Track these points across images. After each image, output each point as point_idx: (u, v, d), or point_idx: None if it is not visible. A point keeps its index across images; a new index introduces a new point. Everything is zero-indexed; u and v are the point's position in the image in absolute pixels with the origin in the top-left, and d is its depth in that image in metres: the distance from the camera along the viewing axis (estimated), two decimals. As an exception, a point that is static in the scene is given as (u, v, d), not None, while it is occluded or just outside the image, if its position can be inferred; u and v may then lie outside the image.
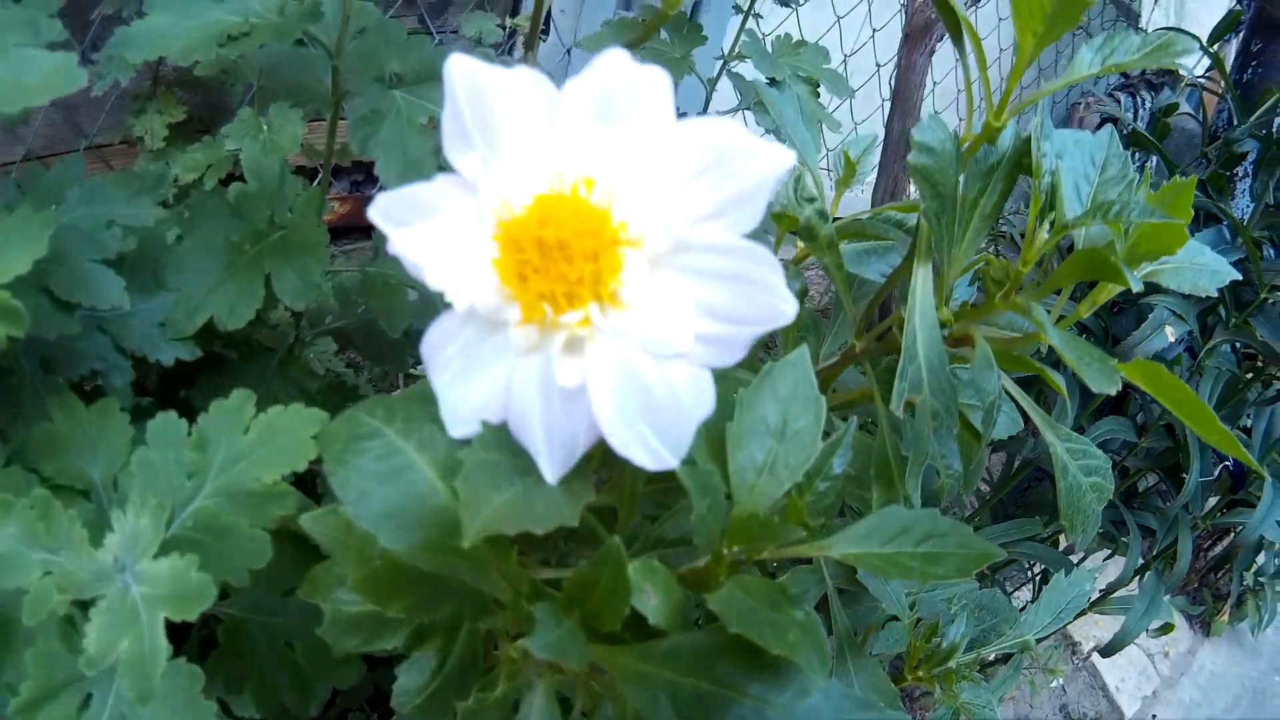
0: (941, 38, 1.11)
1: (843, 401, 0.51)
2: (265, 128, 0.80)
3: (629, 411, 0.21)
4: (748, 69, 0.88)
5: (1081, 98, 1.81)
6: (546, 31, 1.31)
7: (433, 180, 0.24)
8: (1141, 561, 0.92)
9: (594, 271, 0.20)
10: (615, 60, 0.21)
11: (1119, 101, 1.55)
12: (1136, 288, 0.32)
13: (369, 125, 0.51)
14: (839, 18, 1.43)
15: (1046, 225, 0.34)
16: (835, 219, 0.47)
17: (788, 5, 0.98)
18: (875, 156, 0.48)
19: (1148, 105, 1.48)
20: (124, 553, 0.31)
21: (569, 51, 1.33)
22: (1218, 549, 1.32)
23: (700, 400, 0.22)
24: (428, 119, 0.51)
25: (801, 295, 0.49)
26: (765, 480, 0.28)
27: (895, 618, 0.58)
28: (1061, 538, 1.01)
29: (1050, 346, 0.42)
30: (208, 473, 0.33)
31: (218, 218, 0.54)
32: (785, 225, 0.45)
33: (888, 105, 1.25)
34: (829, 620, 0.53)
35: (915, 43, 1.10)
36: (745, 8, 0.91)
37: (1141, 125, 1.20)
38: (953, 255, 0.35)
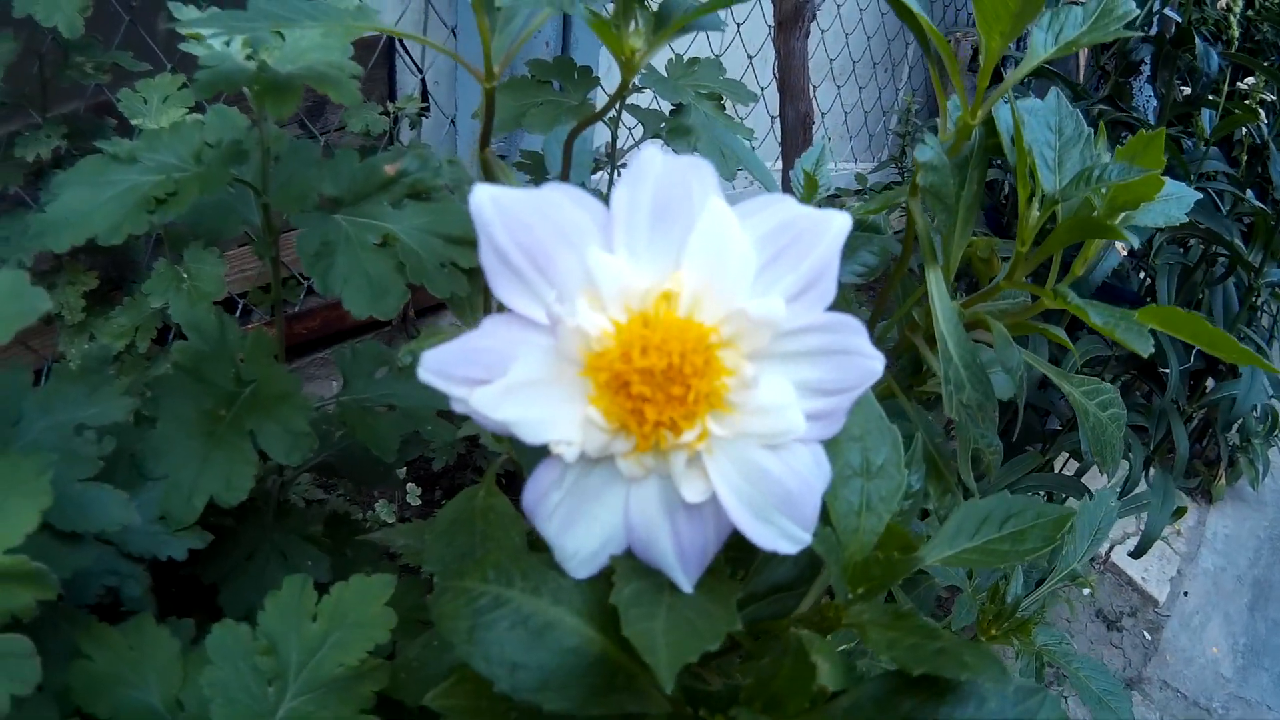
0: (813, 18, 1.14)
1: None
2: (185, 275, 0.77)
3: (764, 509, 0.21)
4: (642, 98, 0.89)
5: (949, 31, 1.88)
6: (427, 108, 1.30)
7: (486, 325, 0.23)
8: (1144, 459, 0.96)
9: (708, 387, 0.20)
10: (655, 159, 0.21)
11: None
12: (1136, 244, 0.34)
13: (322, 260, 0.49)
14: (703, 25, 1.46)
15: (1036, 204, 0.35)
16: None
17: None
18: (830, 164, 0.49)
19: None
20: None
21: (453, 121, 1.32)
22: (1194, 422, 1.38)
23: (822, 473, 0.22)
24: (380, 239, 0.50)
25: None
26: (866, 519, 0.28)
27: (956, 588, 0.59)
28: (1056, 463, 1.04)
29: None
30: (287, 675, 0.31)
31: (182, 390, 0.52)
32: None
33: (766, 94, 1.28)
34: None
35: (789, 30, 1.13)
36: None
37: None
38: (951, 251, 0.36)
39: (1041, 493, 0.92)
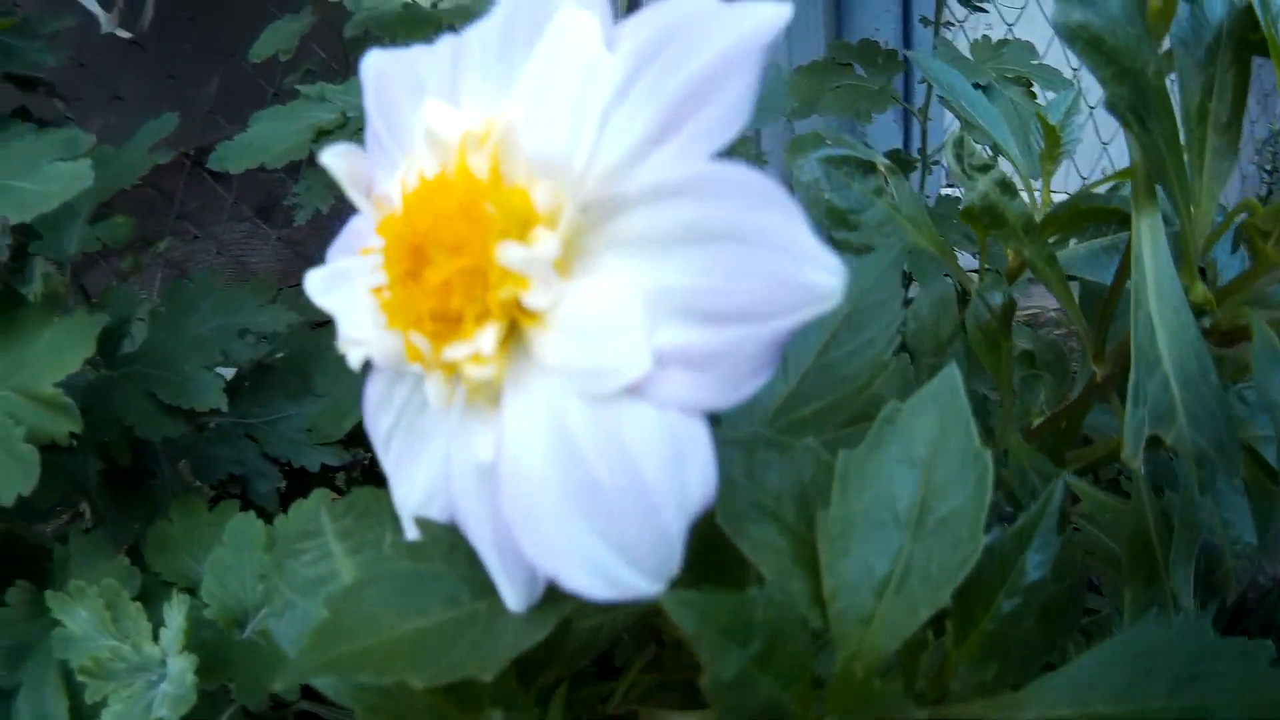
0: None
1: (1096, 457, 0.37)
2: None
3: (549, 502, 0.13)
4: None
5: None
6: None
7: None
8: None
9: (465, 271, 0.12)
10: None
11: None
12: None
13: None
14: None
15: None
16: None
17: (979, 9, 0.88)
18: (1081, 116, 0.36)
19: None
20: (168, 648, 0.30)
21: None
22: None
23: (679, 470, 0.12)
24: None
25: (1008, 311, 0.36)
26: (892, 604, 0.16)
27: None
28: None
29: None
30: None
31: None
32: (979, 222, 0.33)
33: (1096, 114, 1.06)
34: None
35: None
36: (933, 19, 0.83)
37: None
38: (1191, 194, 0.23)
39: None
